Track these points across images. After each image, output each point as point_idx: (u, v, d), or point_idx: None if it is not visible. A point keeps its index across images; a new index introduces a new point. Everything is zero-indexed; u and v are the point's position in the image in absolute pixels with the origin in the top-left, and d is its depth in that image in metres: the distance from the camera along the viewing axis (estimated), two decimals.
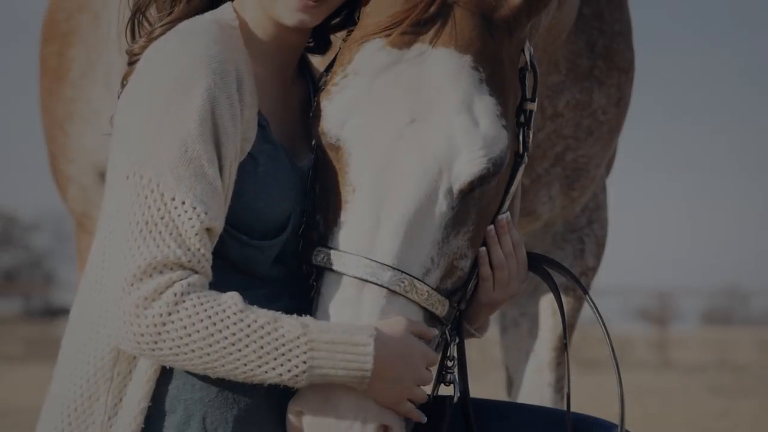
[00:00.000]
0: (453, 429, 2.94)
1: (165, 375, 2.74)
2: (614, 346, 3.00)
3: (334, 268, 2.74)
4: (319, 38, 2.99)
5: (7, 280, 52.55)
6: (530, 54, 2.93)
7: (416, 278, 2.74)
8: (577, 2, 3.70)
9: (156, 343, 2.64)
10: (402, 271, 2.72)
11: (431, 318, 2.80)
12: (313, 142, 2.87)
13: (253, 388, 2.74)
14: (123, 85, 2.89)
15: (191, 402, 2.74)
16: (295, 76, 2.99)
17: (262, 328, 2.65)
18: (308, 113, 2.92)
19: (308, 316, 2.70)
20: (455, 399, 2.90)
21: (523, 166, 2.93)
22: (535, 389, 4.27)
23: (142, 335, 2.64)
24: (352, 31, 2.84)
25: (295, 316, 2.68)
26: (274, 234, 2.83)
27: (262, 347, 2.64)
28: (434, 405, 2.88)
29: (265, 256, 2.82)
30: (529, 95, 2.92)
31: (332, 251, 2.75)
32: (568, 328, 4.27)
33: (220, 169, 2.71)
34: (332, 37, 3.02)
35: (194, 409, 2.75)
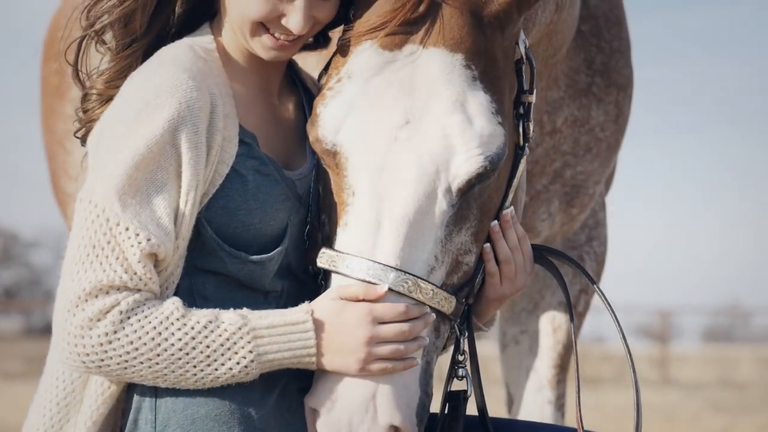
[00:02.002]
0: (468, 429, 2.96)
1: (169, 392, 2.77)
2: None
3: (339, 270, 2.77)
4: (318, 35, 3.01)
5: (8, 297, 52.48)
6: (525, 46, 2.94)
7: (420, 278, 2.76)
8: (577, 14, 3.71)
9: (102, 360, 2.69)
10: (405, 272, 2.74)
11: (439, 315, 2.82)
12: (308, 145, 2.91)
13: (261, 401, 2.79)
14: (79, 119, 2.91)
15: (199, 418, 2.77)
16: (283, 86, 3.02)
17: (205, 327, 2.70)
18: (303, 119, 2.97)
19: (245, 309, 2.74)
20: (468, 393, 2.93)
21: (525, 157, 2.95)
22: (536, 407, 4.27)
23: (87, 354, 2.69)
24: (347, 30, 2.85)
25: (232, 309, 2.73)
26: (273, 246, 2.85)
27: (208, 346, 2.69)
28: (448, 400, 2.92)
29: (267, 269, 2.85)
30: (526, 87, 2.93)
31: (336, 253, 2.78)
32: (567, 345, 4.28)
33: (178, 197, 2.75)
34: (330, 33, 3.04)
35: (201, 426, 2.77)
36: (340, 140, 2.80)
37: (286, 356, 2.73)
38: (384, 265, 2.74)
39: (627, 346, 3.05)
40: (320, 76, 2.97)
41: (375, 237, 2.76)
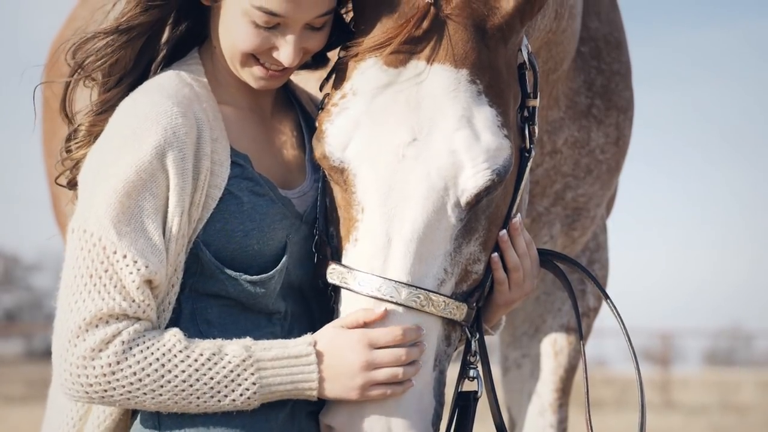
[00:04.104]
0: None
1: (172, 422, 2.77)
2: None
3: (350, 287, 2.79)
4: (317, 56, 3.01)
5: (9, 320, 52.44)
6: (528, 51, 2.95)
7: (431, 291, 2.78)
8: (578, 28, 3.72)
9: (106, 391, 2.69)
10: (417, 287, 2.75)
11: (450, 324, 2.83)
12: (307, 162, 2.93)
13: (266, 426, 2.79)
14: (63, 162, 2.93)
15: None
16: (277, 105, 3.03)
17: (209, 360, 2.70)
18: (300, 137, 2.99)
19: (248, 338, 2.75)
20: (479, 394, 2.94)
21: (531, 161, 2.96)
22: (538, 431, 4.26)
23: (91, 385, 2.69)
24: (351, 45, 2.85)
25: (235, 339, 2.74)
26: (273, 266, 2.86)
27: (212, 378, 2.70)
28: (458, 400, 2.94)
29: (268, 289, 2.85)
30: (530, 91, 2.94)
31: (347, 270, 2.79)
32: (569, 369, 4.27)
33: (165, 222, 2.75)
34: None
35: None
36: (347, 157, 2.81)
37: (289, 388, 2.73)
38: (396, 281, 2.75)
39: (632, 346, 3.06)
40: (322, 86, 2.98)
41: (385, 253, 2.77)
